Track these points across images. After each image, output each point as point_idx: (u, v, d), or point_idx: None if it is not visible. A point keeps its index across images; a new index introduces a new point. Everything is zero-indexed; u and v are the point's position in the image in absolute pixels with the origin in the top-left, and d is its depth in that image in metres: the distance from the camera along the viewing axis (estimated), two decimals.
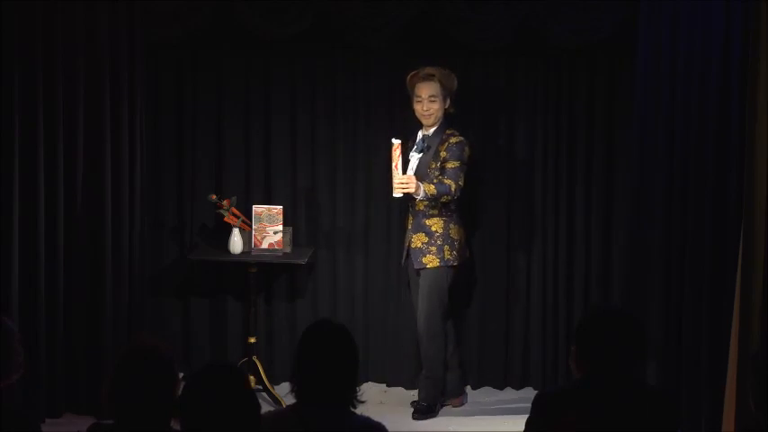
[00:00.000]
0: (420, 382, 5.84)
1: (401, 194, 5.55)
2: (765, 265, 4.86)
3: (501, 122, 6.11)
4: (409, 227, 5.74)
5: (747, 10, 4.98)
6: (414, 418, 5.76)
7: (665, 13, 5.30)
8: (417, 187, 5.50)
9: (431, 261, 5.67)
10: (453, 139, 5.66)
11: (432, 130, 5.72)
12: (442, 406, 5.89)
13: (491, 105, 6.10)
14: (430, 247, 5.67)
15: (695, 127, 5.27)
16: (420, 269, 5.69)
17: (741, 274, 4.97)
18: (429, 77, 5.65)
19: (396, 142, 5.55)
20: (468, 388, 6.19)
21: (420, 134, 5.77)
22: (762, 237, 4.86)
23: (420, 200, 5.57)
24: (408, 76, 5.71)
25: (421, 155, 5.71)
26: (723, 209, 5.20)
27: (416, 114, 5.73)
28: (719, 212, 5.21)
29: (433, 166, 5.64)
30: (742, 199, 4.99)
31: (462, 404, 5.99)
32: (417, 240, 5.69)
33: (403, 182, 5.50)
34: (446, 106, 5.71)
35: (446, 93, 5.68)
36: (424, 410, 5.79)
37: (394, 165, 5.54)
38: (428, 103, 5.67)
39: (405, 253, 5.83)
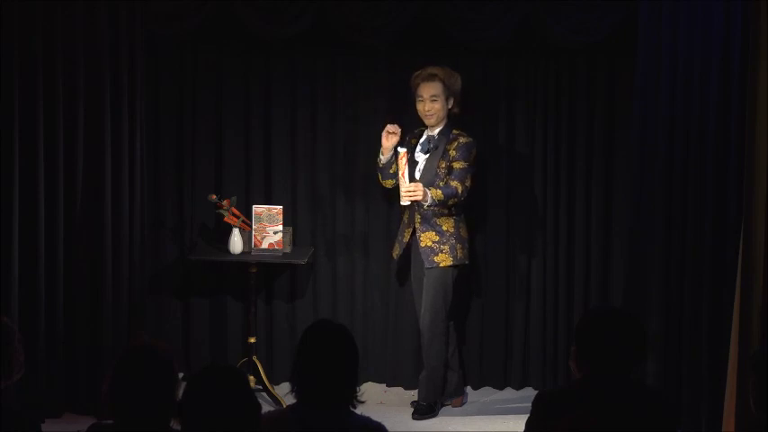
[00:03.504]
0: (420, 381, 5.83)
1: (409, 202, 5.54)
2: (765, 265, 4.87)
3: (501, 122, 6.11)
4: (417, 225, 5.69)
5: (747, 10, 4.98)
6: (414, 418, 5.76)
7: (665, 13, 5.30)
8: (425, 194, 5.49)
9: (444, 260, 5.65)
10: (463, 139, 5.66)
11: (437, 130, 5.71)
12: (443, 406, 5.89)
13: (491, 105, 6.10)
14: (442, 246, 5.65)
15: (695, 127, 5.27)
16: (431, 267, 5.67)
17: (741, 274, 4.97)
18: (431, 77, 5.64)
19: (401, 151, 5.53)
20: (469, 388, 6.19)
21: (425, 134, 5.77)
22: (762, 237, 4.87)
23: (428, 206, 5.56)
24: (413, 76, 5.70)
25: (427, 155, 5.71)
26: (723, 209, 5.20)
27: (419, 114, 5.72)
28: (719, 212, 5.21)
29: (443, 166, 5.64)
30: (742, 199, 4.99)
31: (462, 404, 5.99)
32: (427, 239, 5.67)
33: (410, 190, 5.48)
34: (449, 106, 5.70)
35: (449, 93, 5.67)
36: (424, 410, 5.78)
37: (401, 173, 5.51)
38: (430, 102, 5.66)
39: (401, 247, 5.81)
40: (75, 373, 5.60)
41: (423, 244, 5.67)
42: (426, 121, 5.72)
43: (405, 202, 5.53)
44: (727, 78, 5.14)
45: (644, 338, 3.49)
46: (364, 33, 5.67)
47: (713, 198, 5.23)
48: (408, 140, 5.83)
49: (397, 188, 5.62)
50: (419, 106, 5.70)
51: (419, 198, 5.49)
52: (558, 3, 5.52)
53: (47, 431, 4.63)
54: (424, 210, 5.62)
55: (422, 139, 5.77)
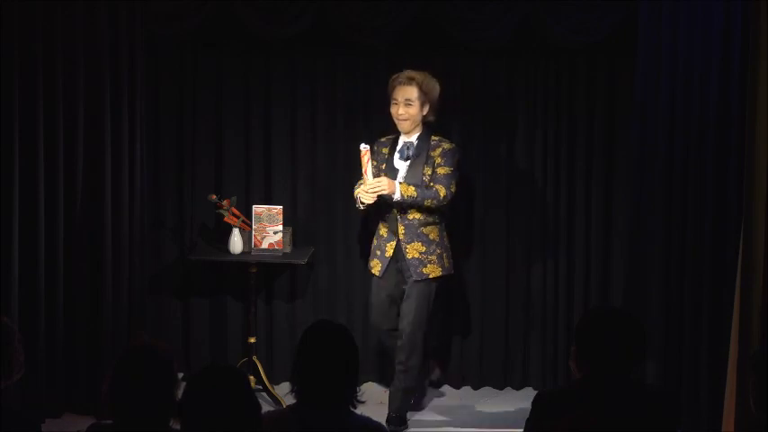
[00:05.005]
0: (393, 393, 5.64)
1: (373, 200, 5.37)
2: (765, 265, 4.87)
3: (501, 122, 6.10)
4: (401, 236, 5.50)
5: (747, 10, 4.98)
6: (390, 430, 5.46)
7: (665, 13, 5.30)
8: (392, 186, 5.34)
9: (433, 271, 5.51)
10: (446, 145, 5.52)
11: (414, 136, 5.54)
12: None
13: (491, 105, 6.10)
14: (429, 256, 5.50)
15: (695, 126, 5.27)
16: (420, 280, 5.51)
17: (741, 274, 4.98)
18: (408, 81, 5.46)
19: (364, 148, 5.41)
20: (469, 388, 6.20)
21: (401, 141, 5.58)
22: (762, 237, 4.87)
23: (396, 201, 5.39)
24: (390, 79, 5.56)
25: (408, 162, 5.53)
26: (723, 209, 5.20)
27: (393, 118, 5.55)
28: (719, 212, 5.22)
29: (428, 172, 5.49)
30: (742, 199, 5.00)
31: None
32: (413, 250, 5.49)
33: (374, 185, 5.35)
34: (424, 113, 5.52)
35: (425, 99, 5.48)
36: (397, 422, 5.59)
37: (363, 170, 5.38)
38: (404, 107, 5.47)
39: (384, 264, 5.57)
40: (75, 373, 5.60)
41: (409, 255, 5.49)
42: (399, 126, 5.54)
43: (368, 199, 5.37)
44: (727, 78, 5.14)
45: (644, 338, 3.49)
46: (364, 33, 5.67)
47: (713, 198, 5.23)
48: (378, 150, 5.64)
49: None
50: (393, 109, 5.52)
51: (385, 191, 5.34)
52: (558, 3, 5.53)
53: (47, 431, 4.64)
54: (401, 211, 5.45)
55: (399, 147, 5.59)
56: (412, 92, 5.47)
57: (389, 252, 5.56)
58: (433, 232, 5.54)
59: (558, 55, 5.99)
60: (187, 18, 5.59)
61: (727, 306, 5.14)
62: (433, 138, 5.56)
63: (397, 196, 5.38)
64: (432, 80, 5.50)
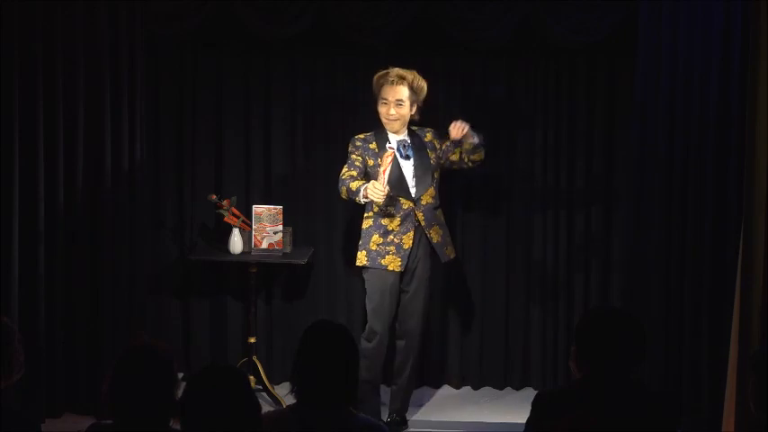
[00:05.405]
0: (395, 393, 5.61)
1: (382, 200, 5.21)
2: (765, 265, 4.87)
3: (501, 122, 6.11)
4: (421, 222, 5.42)
5: (747, 10, 4.98)
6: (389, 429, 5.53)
7: (665, 13, 5.31)
8: (467, 129, 5.32)
9: (451, 252, 5.59)
10: (428, 128, 5.55)
11: (404, 134, 5.51)
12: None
13: (491, 105, 6.10)
14: (446, 237, 5.56)
15: (695, 127, 5.28)
16: (445, 262, 5.59)
17: (741, 274, 4.97)
18: (399, 80, 5.39)
19: (391, 149, 5.38)
20: (469, 388, 6.20)
21: (393, 140, 5.49)
22: (762, 237, 4.87)
23: (472, 144, 5.38)
24: (376, 76, 5.48)
25: (411, 160, 5.48)
26: (723, 209, 5.21)
27: (381, 117, 5.48)
28: (719, 213, 5.22)
29: (433, 156, 5.48)
30: (742, 199, 5.00)
31: None
32: (435, 234, 5.48)
33: (458, 125, 5.30)
34: (413, 112, 5.47)
35: (415, 98, 5.43)
36: (397, 422, 5.58)
37: (383, 170, 5.28)
38: (395, 107, 5.41)
39: (404, 259, 5.42)
40: (75, 373, 5.60)
41: (435, 240, 5.47)
42: (388, 126, 5.48)
43: (379, 198, 5.20)
44: (727, 78, 5.15)
45: (644, 338, 3.48)
46: (364, 33, 5.66)
47: (713, 198, 5.23)
48: (365, 146, 5.52)
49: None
50: (382, 109, 5.45)
51: (466, 129, 5.31)
52: (558, 3, 5.53)
53: (47, 431, 4.64)
54: (416, 199, 5.39)
55: (395, 146, 5.49)
56: (403, 92, 5.41)
57: (408, 243, 5.44)
58: (441, 215, 5.58)
59: (558, 55, 5.99)
60: (187, 18, 5.59)
61: (728, 306, 5.14)
62: (414, 128, 5.55)
63: (476, 140, 5.39)
64: (421, 79, 5.44)
